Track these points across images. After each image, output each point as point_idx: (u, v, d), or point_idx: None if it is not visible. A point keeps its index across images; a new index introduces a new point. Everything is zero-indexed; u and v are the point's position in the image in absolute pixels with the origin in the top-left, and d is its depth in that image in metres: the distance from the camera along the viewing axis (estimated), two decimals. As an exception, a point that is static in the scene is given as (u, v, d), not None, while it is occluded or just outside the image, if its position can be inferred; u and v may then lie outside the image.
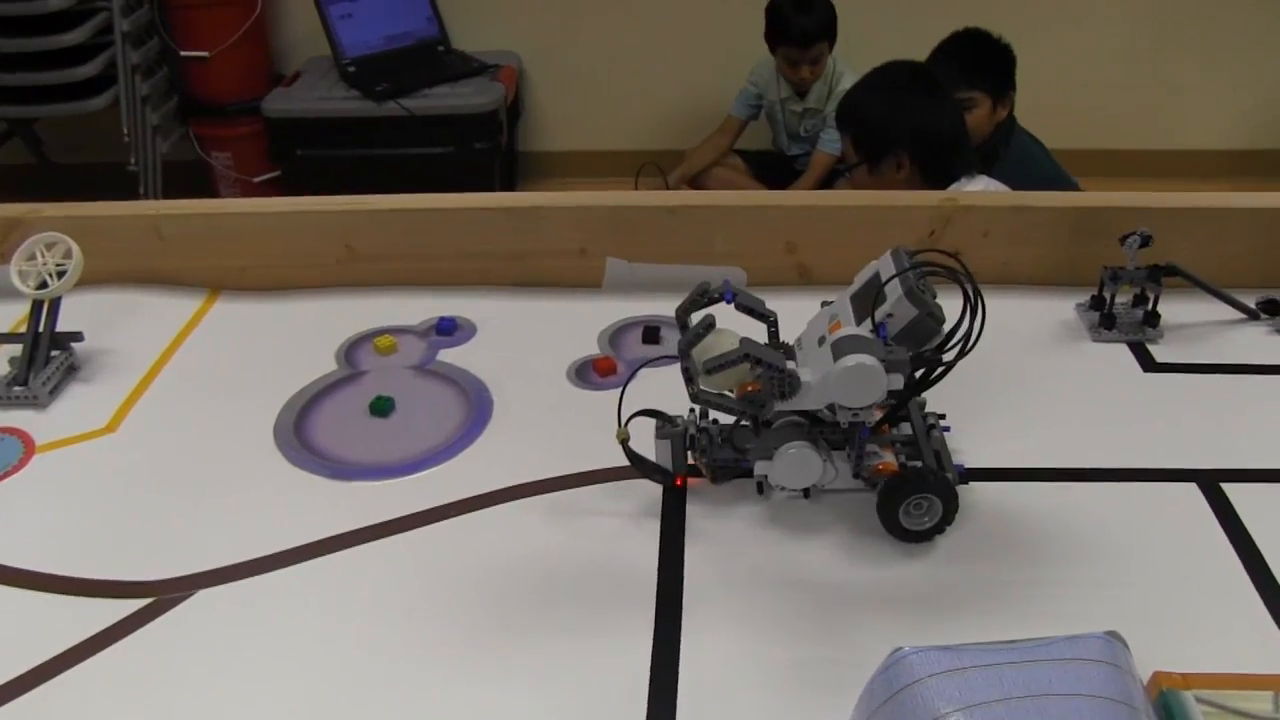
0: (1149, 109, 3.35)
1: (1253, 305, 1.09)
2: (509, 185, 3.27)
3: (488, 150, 2.97)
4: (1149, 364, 1.02)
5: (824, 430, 0.79)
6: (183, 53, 3.02)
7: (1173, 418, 0.94)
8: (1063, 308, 1.10)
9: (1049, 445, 0.90)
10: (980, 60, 2.19)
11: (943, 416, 0.85)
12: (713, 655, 0.71)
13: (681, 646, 0.71)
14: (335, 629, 0.74)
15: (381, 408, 0.93)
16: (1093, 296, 1.09)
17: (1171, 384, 0.99)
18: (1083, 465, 0.88)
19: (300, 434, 0.92)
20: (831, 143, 2.93)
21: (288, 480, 0.88)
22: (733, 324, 0.78)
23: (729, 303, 0.76)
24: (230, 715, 0.68)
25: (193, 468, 0.89)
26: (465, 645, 0.72)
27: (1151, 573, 0.78)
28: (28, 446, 0.92)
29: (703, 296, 0.77)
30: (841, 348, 0.71)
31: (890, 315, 0.73)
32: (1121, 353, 1.04)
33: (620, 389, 0.80)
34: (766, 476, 0.79)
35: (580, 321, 1.07)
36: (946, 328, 0.74)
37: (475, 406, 0.94)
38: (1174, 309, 1.06)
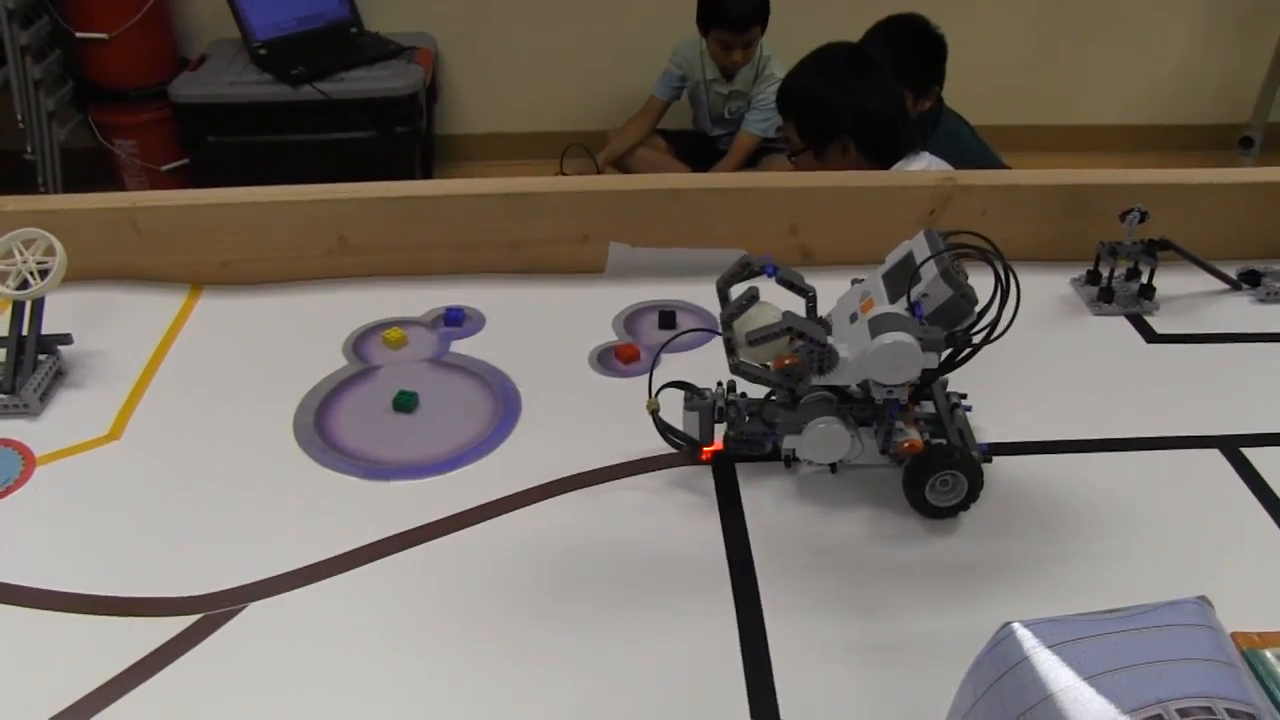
0: (1056, 87, 3.44)
1: (1234, 276, 1.12)
2: (427, 170, 3.20)
3: (409, 134, 2.90)
4: (1150, 335, 1.04)
5: (852, 407, 0.80)
6: (78, 34, 2.87)
7: (1183, 386, 0.96)
8: (1059, 282, 1.12)
9: (1063, 417, 0.92)
10: (910, 51, 2.17)
11: (964, 396, 0.85)
12: (781, 635, 0.71)
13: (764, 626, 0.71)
14: (400, 635, 0.71)
15: (405, 403, 0.90)
16: (1089, 271, 1.11)
17: (1175, 354, 1.02)
18: (1100, 436, 0.90)
19: (324, 433, 0.88)
20: (757, 124, 2.94)
21: (320, 482, 0.84)
22: (771, 298, 0.79)
23: (770, 276, 0.77)
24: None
25: (213, 473, 0.85)
26: (545, 645, 0.70)
27: (1186, 539, 0.80)
28: (27, 459, 0.86)
29: (744, 269, 0.78)
30: (879, 325, 0.72)
31: (925, 295, 0.74)
32: (1121, 325, 1.06)
33: (650, 366, 0.82)
34: (795, 450, 0.80)
35: (590, 308, 1.05)
36: (977, 309, 0.76)
37: (502, 399, 0.91)
38: (1161, 281, 1.08)
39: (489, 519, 0.80)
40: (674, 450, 0.84)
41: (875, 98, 1.84)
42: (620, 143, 3.03)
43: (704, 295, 1.05)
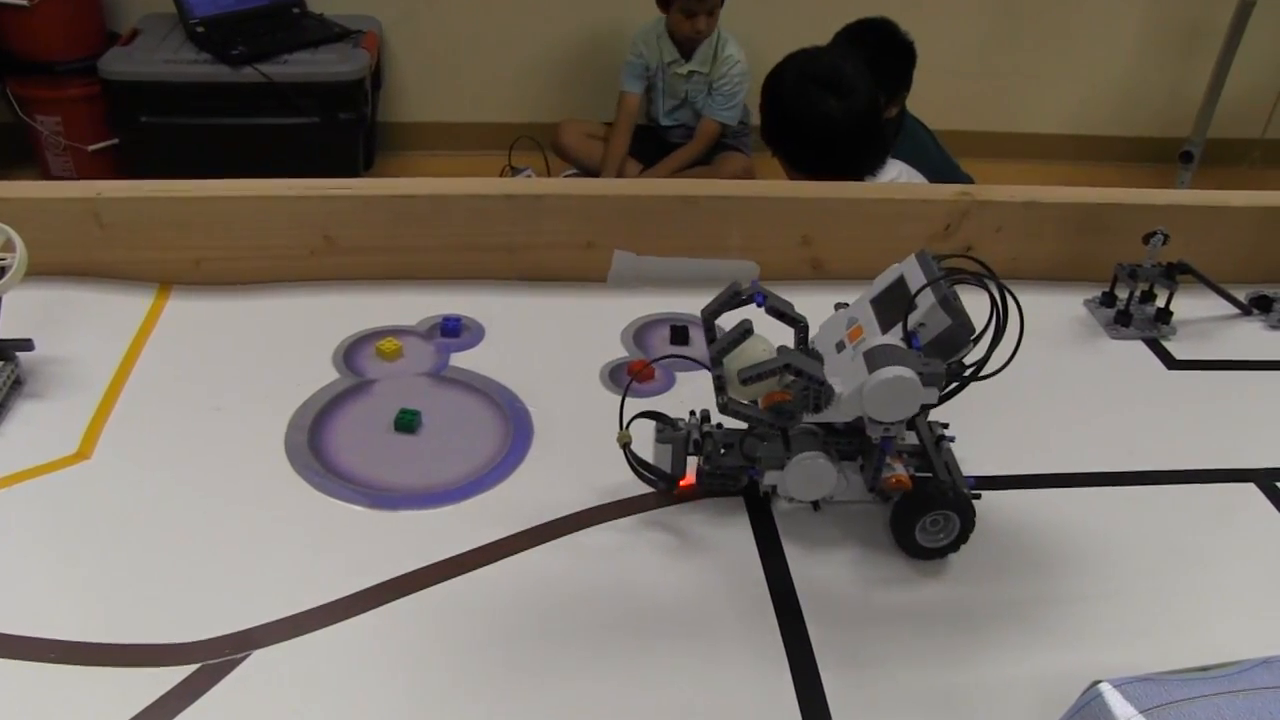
0: (1001, 94, 3.45)
1: (1244, 301, 1.10)
2: (369, 159, 3.09)
3: (352, 121, 2.79)
4: (1170, 361, 1.01)
5: (837, 440, 0.75)
6: (-5, 0, 2.71)
7: (1210, 415, 0.94)
8: (1072, 304, 1.09)
9: (1083, 447, 0.88)
10: (880, 57, 2.13)
11: (946, 426, 0.80)
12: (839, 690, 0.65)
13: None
14: (425, 687, 0.64)
15: (408, 423, 0.83)
16: (1104, 293, 1.08)
17: (1197, 381, 0.99)
18: (1127, 469, 0.87)
19: (320, 455, 0.81)
20: (720, 110, 2.89)
21: (322, 511, 0.77)
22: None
23: (760, 305, 0.70)
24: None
25: (199, 499, 0.77)
26: (583, 689, 0.64)
27: (1234, 579, 0.76)
28: (-14, 479, 0.78)
29: (733, 298, 0.71)
30: (876, 358, 0.67)
31: (923, 324, 0.69)
32: (1140, 350, 1.03)
33: (622, 396, 0.75)
34: (775, 487, 0.75)
35: (595, 320, 0.99)
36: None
37: (512, 420, 0.85)
38: (1174, 305, 1.05)
39: (513, 554, 0.74)
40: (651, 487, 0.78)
41: (858, 117, 1.76)
42: (616, 152, 2.94)
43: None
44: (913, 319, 0.68)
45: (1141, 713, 0.56)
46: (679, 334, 0.96)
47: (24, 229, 0.87)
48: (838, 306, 0.77)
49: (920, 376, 0.66)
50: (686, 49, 2.86)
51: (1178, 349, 1.03)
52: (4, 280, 0.84)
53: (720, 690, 0.65)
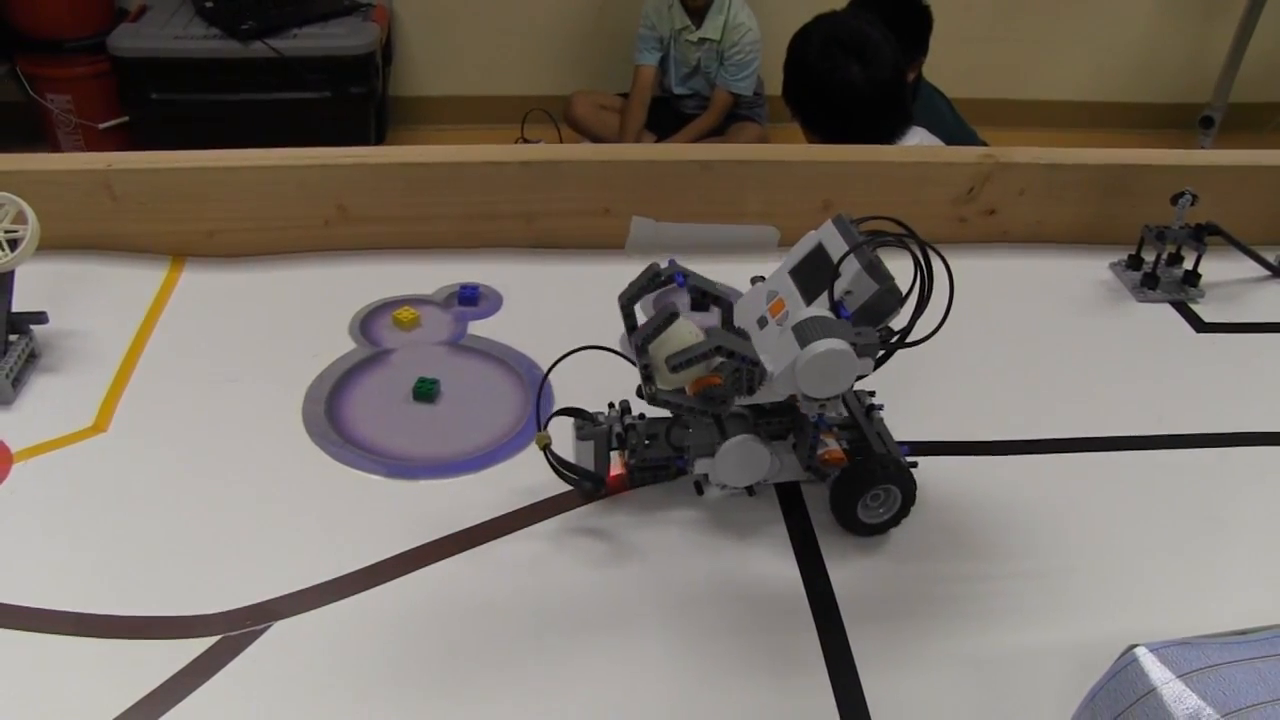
0: (1016, 61, 3.42)
1: (1275, 263, 1.08)
2: (380, 134, 3.08)
3: (363, 95, 2.78)
4: (1199, 324, 1.00)
5: (767, 421, 0.72)
6: (3, -24, 2.70)
7: (1241, 379, 0.92)
8: (1097, 267, 1.07)
9: (1113, 411, 0.87)
10: (896, 21, 2.11)
11: (872, 394, 0.78)
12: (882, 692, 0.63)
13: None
14: (449, 655, 0.63)
15: (426, 391, 0.82)
16: (1131, 256, 1.06)
17: (1227, 344, 0.97)
18: (1160, 432, 0.85)
19: (338, 425, 0.80)
20: (734, 80, 2.86)
21: (339, 481, 0.76)
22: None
23: (680, 286, 0.66)
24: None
25: (217, 471, 0.76)
26: (607, 669, 0.63)
27: (1261, 540, 0.75)
28: (2, 455, 0.77)
29: (651, 280, 0.67)
30: (806, 331, 0.63)
31: (849, 292, 0.65)
32: (1167, 313, 1.02)
33: (536, 392, 0.71)
34: (707, 475, 0.72)
35: (614, 287, 0.95)
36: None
37: (531, 388, 0.84)
38: (1202, 267, 1.04)
39: (535, 523, 0.72)
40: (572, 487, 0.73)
41: (882, 83, 1.74)
42: (633, 126, 2.92)
43: (733, 275, 0.98)
44: (838, 287, 0.65)
45: (1178, 677, 0.55)
46: (699, 300, 0.94)
47: (36, 202, 0.85)
48: (754, 280, 0.73)
49: (854, 347, 0.63)
50: (697, 15, 2.83)
51: (1206, 312, 1.01)
52: (16, 253, 0.83)
53: (758, 677, 0.64)
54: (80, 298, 0.93)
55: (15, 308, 0.85)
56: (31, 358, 0.86)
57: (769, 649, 0.65)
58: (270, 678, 0.62)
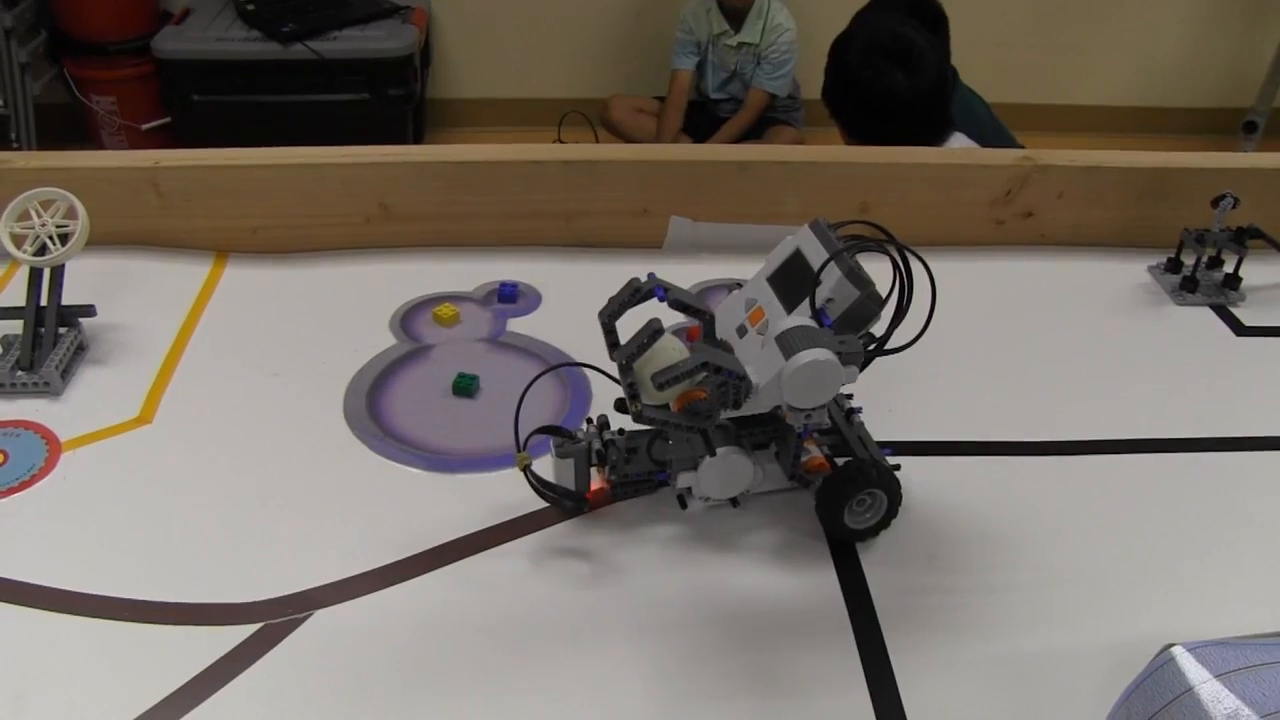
0: (1055, 66, 3.39)
1: (1316, 266, 1.07)
2: (418, 136, 3.10)
3: (402, 98, 2.80)
4: (1239, 328, 0.99)
5: (750, 431, 0.71)
6: (51, -20, 2.74)
7: (1282, 383, 0.91)
8: (1135, 270, 1.07)
9: (1149, 414, 0.86)
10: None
11: (850, 397, 0.77)
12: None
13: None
14: (487, 647, 0.64)
15: (466, 387, 0.83)
16: (1169, 258, 1.05)
17: (1268, 348, 0.97)
18: (1192, 435, 0.85)
19: (379, 419, 0.81)
20: (769, 80, 2.86)
21: (378, 473, 0.77)
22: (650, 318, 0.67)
23: (661, 300, 0.66)
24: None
25: (259, 462, 0.78)
26: (648, 674, 0.63)
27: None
28: (51, 444, 0.78)
29: (632, 296, 0.67)
30: (789, 342, 0.62)
31: (830, 299, 0.64)
32: (1207, 316, 1.01)
33: (515, 411, 0.69)
34: (690, 489, 0.71)
35: (653, 286, 0.98)
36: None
37: (571, 383, 0.84)
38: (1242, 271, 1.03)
39: (573, 517, 0.73)
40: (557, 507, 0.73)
41: (923, 90, 1.73)
42: (669, 130, 2.93)
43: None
44: (820, 295, 0.64)
45: (1216, 677, 0.54)
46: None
47: (84, 198, 0.87)
48: (730, 288, 0.72)
49: (839, 356, 0.62)
50: (736, 19, 2.83)
51: (1247, 315, 1.01)
52: (67, 247, 0.85)
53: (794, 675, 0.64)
54: (127, 292, 0.95)
55: (64, 301, 0.87)
56: (80, 350, 0.87)
57: (807, 662, 0.65)
58: (311, 665, 0.63)
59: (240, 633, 0.64)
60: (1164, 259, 1.06)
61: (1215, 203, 1.00)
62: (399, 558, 0.70)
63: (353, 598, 0.67)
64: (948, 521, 0.74)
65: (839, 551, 0.71)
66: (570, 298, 0.96)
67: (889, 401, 0.85)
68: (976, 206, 1.06)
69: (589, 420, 0.73)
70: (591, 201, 1.01)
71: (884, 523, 0.71)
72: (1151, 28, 3.33)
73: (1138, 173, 1.06)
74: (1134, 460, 0.81)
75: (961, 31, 2.17)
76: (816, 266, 0.64)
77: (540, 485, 0.70)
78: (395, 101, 2.80)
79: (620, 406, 0.68)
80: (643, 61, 3.15)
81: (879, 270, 0.65)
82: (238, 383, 0.85)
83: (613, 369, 0.67)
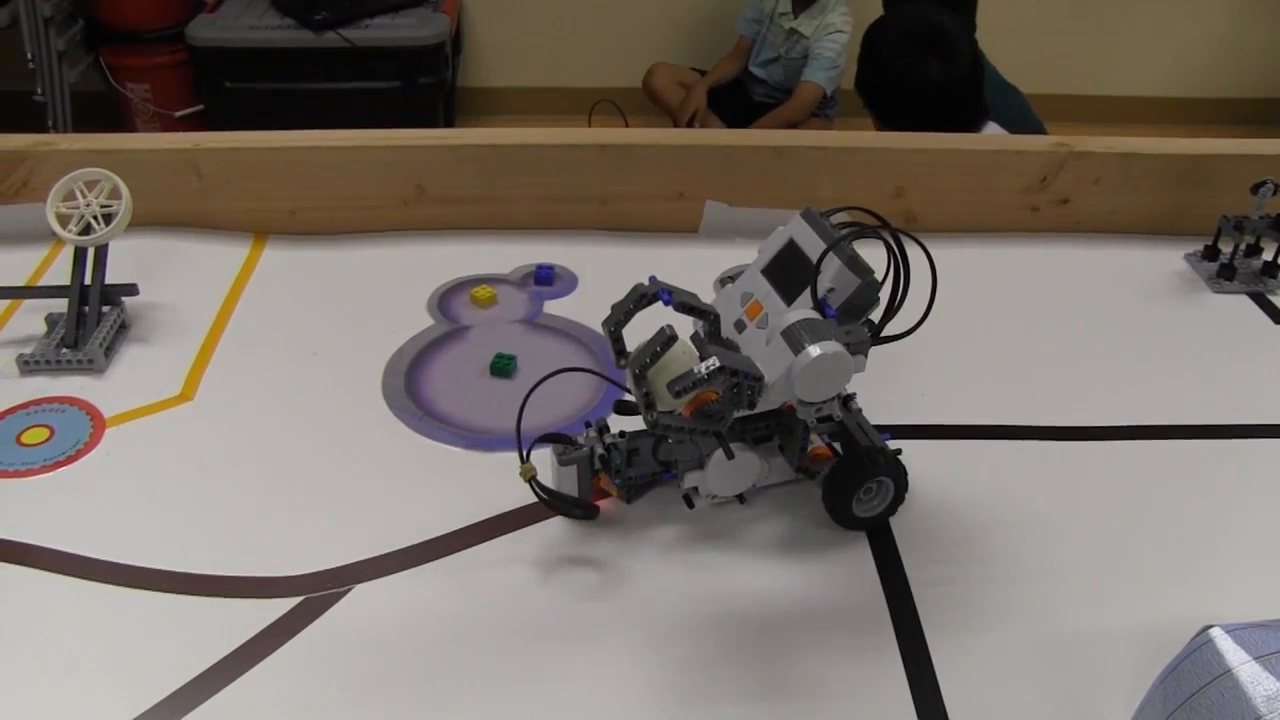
0: (1089, 56, 3.36)
1: (1355, 254, 1.06)
2: (449, 124, 3.11)
3: (433, 86, 2.81)
4: (1278, 316, 0.98)
5: (752, 425, 0.70)
6: (88, -30, 2.76)
7: (1322, 372, 0.91)
8: (1171, 257, 1.06)
9: (1186, 401, 0.86)
10: None
11: None
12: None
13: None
14: (525, 619, 0.65)
15: (504, 367, 0.84)
16: (1206, 246, 1.05)
17: (1307, 337, 0.96)
18: (1229, 422, 0.84)
19: (417, 398, 0.81)
20: (819, 73, 2.84)
21: (418, 452, 0.77)
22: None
23: (666, 304, 0.65)
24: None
25: (299, 439, 0.78)
26: (682, 653, 0.64)
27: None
28: (95, 420, 0.80)
29: (639, 302, 0.66)
30: (796, 336, 0.61)
31: (831, 289, 0.63)
32: (1245, 304, 1.00)
33: (517, 418, 0.67)
34: (696, 488, 0.70)
35: (687, 270, 0.97)
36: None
37: (608, 366, 0.84)
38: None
39: (607, 496, 0.73)
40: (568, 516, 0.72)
41: (958, 81, 1.72)
42: (714, 75, 2.95)
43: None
44: (821, 285, 0.63)
45: (1255, 659, 0.54)
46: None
47: (127, 180, 0.89)
48: (723, 282, 0.72)
49: (847, 347, 0.61)
50: (801, 3, 2.82)
51: (1285, 303, 1.00)
52: (111, 227, 0.86)
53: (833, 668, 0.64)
54: (167, 272, 0.96)
55: (107, 280, 0.88)
56: (122, 328, 0.88)
57: (847, 649, 0.65)
58: (351, 638, 0.63)
59: (282, 605, 0.65)
60: (1201, 246, 1.05)
61: (1255, 189, 0.99)
62: (438, 534, 0.70)
63: (392, 573, 0.68)
64: (982, 506, 0.75)
65: (874, 538, 0.71)
66: (606, 281, 0.96)
67: (922, 385, 0.85)
68: (1011, 193, 1.06)
69: (588, 424, 0.72)
70: (627, 185, 1.02)
71: (891, 509, 0.71)
72: (1190, 15, 3.29)
73: (1175, 159, 1.05)
74: (1170, 446, 0.81)
75: (995, 20, 2.16)
76: (813, 256, 0.64)
77: (547, 496, 0.69)
78: (426, 89, 2.81)
79: (620, 409, 0.68)
80: (673, 51, 3.15)
81: (872, 256, 0.64)
82: (277, 362, 0.86)
83: (612, 372, 0.67)
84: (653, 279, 0.66)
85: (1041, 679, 0.62)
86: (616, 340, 0.66)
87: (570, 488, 0.70)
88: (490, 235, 1.02)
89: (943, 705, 0.61)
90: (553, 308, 0.92)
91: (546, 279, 0.95)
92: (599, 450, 0.70)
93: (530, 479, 0.67)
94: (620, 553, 0.70)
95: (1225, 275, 1.02)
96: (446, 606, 0.65)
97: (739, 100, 2.96)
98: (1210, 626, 0.56)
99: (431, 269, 0.97)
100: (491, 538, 0.70)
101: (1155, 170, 1.06)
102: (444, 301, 0.93)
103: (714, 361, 0.61)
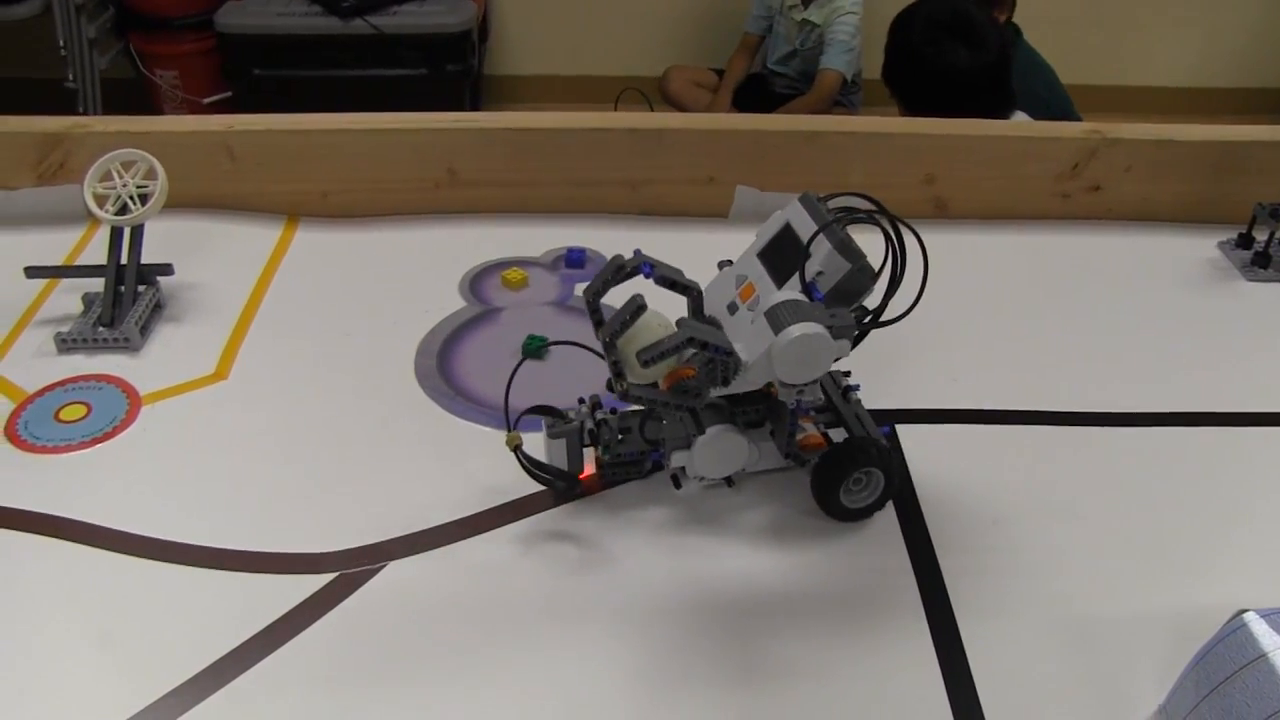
0: (1113, 45, 3.33)
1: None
2: (475, 111, 3.12)
3: (460, 73, 2.81)
4: (1313, 305, 0.98)
5: (742, 409, 0.70)
6: (118, -42, 2.78)
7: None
8: (1205, 245, 1.05)
9: (1219, 388, 0.86)
10: None
11: (848, 374, 0.76)
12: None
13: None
14: (556, 598, 0.65)
15: (535, 348, 0.84)
16: (1241, 234, 1.04)
17: (1342, 325, 0.95)
18: (1263, 409, 0.84)
19: (449, 378, 0.82)
20: (837, 58, 2.83)
21: (450, 431, 0.78)
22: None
23: (647, 276, 0.64)
24: (468, 712, 0.59)
25: (332, 419, 0.79)
26: (713, 634, 0.64)
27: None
28: (131, 398, 0.80)
29: (618, 273, 0.65)
30: (779, 316, 0.61)
31: (820, 273, 0.63)
32: (1278, 292, 0.99)
33: (505, 390, 0.68)
34: (684, 468, 0.70)
35: (718, 255, 0.97)
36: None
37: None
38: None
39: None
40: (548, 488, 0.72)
41: (983, 66, 1.71)
42: (731, 79, 2.94)
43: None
44: (809, 268, 0.63)
45: (1292, 644, 0.54)
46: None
47: (161, 162, 0.89)
48: (721, 265, 0.71)
49: (830, 330, 0.60)
50: None
51: (1320, 292, 0.99)
52: (147, 207, 0.87)
53: (871, 670, 0.64)
54: (201, 253, 0.97)
55: (142, 260, 0.89)
56: (157, 308, 0.89)
57: (874, 633, 0.65)
58: (384, 614, 0.64)
59: (316, 581, 0.66)
60: (1235, 234, 1.05)
61: (1292, 177, 0.98)
62: (470, 512, 0.71)
63: (425, 550, 0.68)
64: (1013, 490, 0.75)
65: (905, 521, 0.71)
66: (636, 264, 0.97)
67: (954, 370, 0.85)
68: (1042, 180, 1.05)
69: (581, 400, 0.72)
70: (657, 170, 1.02)
71: (880, 502, 0.70)
72: (1218, 5, 3.26)
73: (1209, 146, 1.05)
74: (1202, 433, 0.81)
75: (1022, 10, 2.15)
76: (806, 239, 0.63)
77: (531, 466, 0.68)
78: (453, 77, 2.81)
79: (611, 385, 0.67)
80: (700, 38, 3.14)
81: (871, 242, 0.64)
82: (310, 342, 0.87)
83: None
84: (637, 251, 0.66)
85: (1073, 662, 0.62)
86: (595, 311, 0.66)
87: (560, 461, 0.70)
88: (521, 218, 1.02)
89: (974, 688, 0.61)
90: (583, 290, 0.92)
91: (577, 262, 0.95)
92: (589, 425, 0.70)
93: (515, 448, 0.67)
94: (596, 534, 0.70)
95: (1259, 263, 1.01)
96: (479, 584, 0.66)
97: (761, 94, 2.95)
98: (1244, 611, 0.56)
99: (463, 251, 0.98)
100: (525, 516, 0.71)
101: (1189, 157, 1.05)
102: (475, 284, 0.93)
103: (683, 332, 0.60)
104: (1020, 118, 1.77)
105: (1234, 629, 0.56)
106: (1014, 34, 2.16)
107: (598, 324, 0.65)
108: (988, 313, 0.92)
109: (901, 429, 0.79)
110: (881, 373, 0.82)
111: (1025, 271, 0.99)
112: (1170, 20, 3.28)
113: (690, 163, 1.01)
